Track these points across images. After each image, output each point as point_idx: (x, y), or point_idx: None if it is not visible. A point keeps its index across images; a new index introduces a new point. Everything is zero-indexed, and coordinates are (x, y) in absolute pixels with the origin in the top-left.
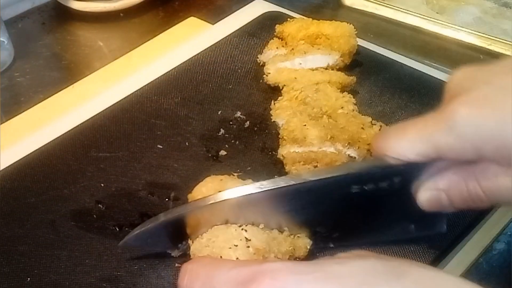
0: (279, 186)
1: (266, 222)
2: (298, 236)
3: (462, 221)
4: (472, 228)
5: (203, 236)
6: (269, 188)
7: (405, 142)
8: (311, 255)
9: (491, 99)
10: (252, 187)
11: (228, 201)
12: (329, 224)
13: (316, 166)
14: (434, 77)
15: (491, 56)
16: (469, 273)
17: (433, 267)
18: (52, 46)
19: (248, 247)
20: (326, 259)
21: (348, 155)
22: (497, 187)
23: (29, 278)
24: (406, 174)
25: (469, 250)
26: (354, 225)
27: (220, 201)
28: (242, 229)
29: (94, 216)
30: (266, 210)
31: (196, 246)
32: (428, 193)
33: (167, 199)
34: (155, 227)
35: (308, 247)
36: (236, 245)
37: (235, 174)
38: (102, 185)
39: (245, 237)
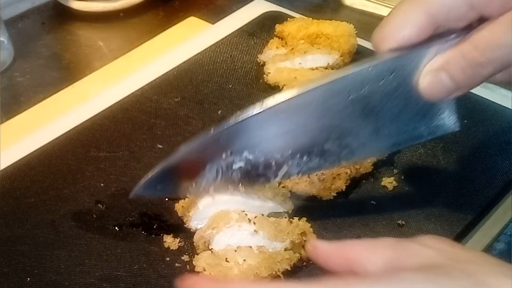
0: (278, 102)
1: (273, 147)
2: (299, 219)
3: (462, 221)
4: (472, 228)
5: (204, 229)
6: (270, 106)
7: (400, 20)
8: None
9: None
10: (254, 109)
11: (233, 126)
12: (336, 139)
13: None
14: None
15: None
16: None
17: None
18: (52, 46)
19: (250, 247)
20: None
21: None
22: (492, 41)
23: (29, 278)
24: (402, 68)
25: None
26: (361, 136)
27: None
28: (249, 219)
29: (94, 216)
30: (271, 131)
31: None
32: (428, 77)
33: (167, 199)
34: (164, 170)
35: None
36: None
37: None
38: (102, 185)
39: (254, 230)
